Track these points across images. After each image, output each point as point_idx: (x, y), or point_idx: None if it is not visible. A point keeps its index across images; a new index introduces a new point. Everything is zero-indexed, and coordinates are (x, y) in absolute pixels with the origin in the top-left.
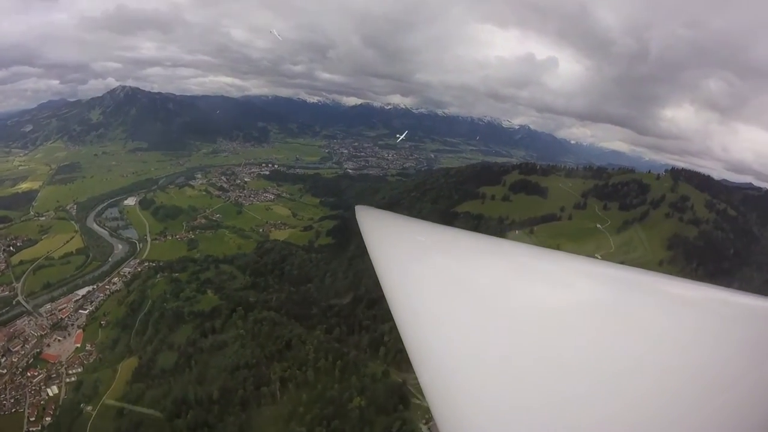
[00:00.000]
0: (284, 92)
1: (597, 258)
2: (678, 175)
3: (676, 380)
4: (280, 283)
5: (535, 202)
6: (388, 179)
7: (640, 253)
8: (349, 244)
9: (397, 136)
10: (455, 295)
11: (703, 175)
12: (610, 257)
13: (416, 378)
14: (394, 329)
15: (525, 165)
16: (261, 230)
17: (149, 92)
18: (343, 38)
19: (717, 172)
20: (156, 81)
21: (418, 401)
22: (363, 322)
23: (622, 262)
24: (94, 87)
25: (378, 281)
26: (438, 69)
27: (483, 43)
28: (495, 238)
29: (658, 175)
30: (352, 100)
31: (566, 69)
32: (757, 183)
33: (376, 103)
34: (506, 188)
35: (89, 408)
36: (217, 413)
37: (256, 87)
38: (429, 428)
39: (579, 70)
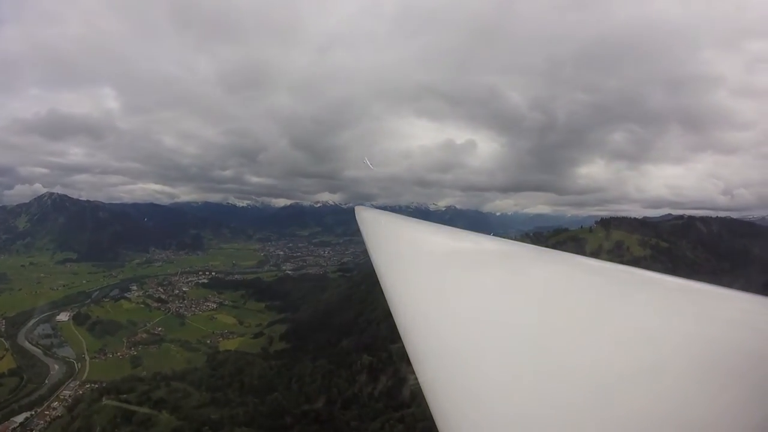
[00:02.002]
0: (214, 197)
1: (596, 258)
2: (607, 223)
3: (677, 380)
4: (241, 395)
5: None
6: (330, 276)
7: None
8: (306, 345)
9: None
10: (455, 295)
11: (630, 218)
12: None
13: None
14: (385, 425)
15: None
16: (209, 341)
17: (78, 200)
18: (272, 141)
19: (636, 212)
20: (84, 188)
21: None
22: (351, 423)
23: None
24: (21, 192)
25: (378, 280)
26: (365, 164)
27: (406, 135)
28: (496, 238)
29: (590, 228)
30: (281, 201)
31: (484, 148)
32: (674, 212)
33: (306, 202)
34: None
35: None
36: None
37: (185, 193)
38: None
39: (496, 147)
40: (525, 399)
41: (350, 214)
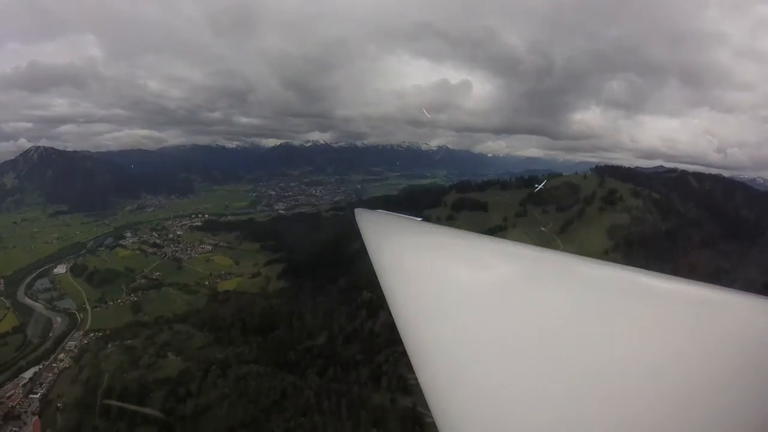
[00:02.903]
0: (202, 140)
1: (596, 258)
2: (602, 171)
3: (677, 381)
4: (244, 335)
5: (479, 217)
6: (323, 215)
7: (585, 246)
8: (305, 284)
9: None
10: (455, 295)
11: (625, 167)
12: None
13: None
14: (390, 357)
15: (461, 184)
16: (207, 283)
17: (64, 151)
18: (261, 82)
19: (629, 161)
20: (69, 139)
21: (431, 419)
22: (356, 357)
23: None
24: (6, 149)
25: (378, 280)
26: (358, 103)
27: (400, 75)
28: (496, 238)
29: (585, 174)
30: (271, 141)
31: (479, 90)
32: (666, 164)
33: (296, 142)
34: (448, 208)
35: None
36: None
37: (173, 137)
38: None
39: (491, 89)
40: (525, 399)
41: (341, 153)
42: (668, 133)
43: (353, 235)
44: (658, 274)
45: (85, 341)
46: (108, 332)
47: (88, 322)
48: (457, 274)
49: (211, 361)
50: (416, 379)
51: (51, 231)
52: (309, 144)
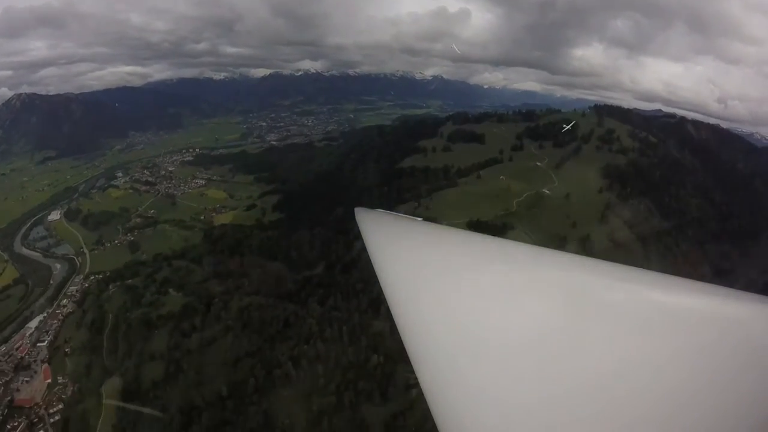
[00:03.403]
0: (189, 73)
1: (596, 258)
2: (601, 111)
3: (678, 381)
4: (243, 267)
5: (475, 149)
6: (316, 145)
7: (580, 184)
8: (301, 214)
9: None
10: (455, 295)
11: (624, 108)
12: (555, 190)
13: None
14: None
15: (458, 115)
16: (202, 218)
17: (47, 96)
18: (249, 9)
19: (627, 102)
20: (51, 83)
21: None
22: (356, 285)
23: (567, 195)
24: None
25: (378, 280)
26: (350, 30)
27: (395, 1)
28: (496, 238)
29: (583, 112)
30: (260, 71)
31: (479, 19)
32: (665, 109)
33: (286, 71)
34: (444, 139)
35: None
36: (234, 408)
37: (158, 72)
38: None
39: (491, 19)
40: (525, 398)
41: (333, 82)
42: (670, 77)
43: (347, 165)
44: (658, 273)
45: (86, 285)
46: (108, 274)
47: (88, 266)
48: (457, 274)
49: (212, 294)
50: (416, 379)
51: (41, 178)
52: (300, 73)
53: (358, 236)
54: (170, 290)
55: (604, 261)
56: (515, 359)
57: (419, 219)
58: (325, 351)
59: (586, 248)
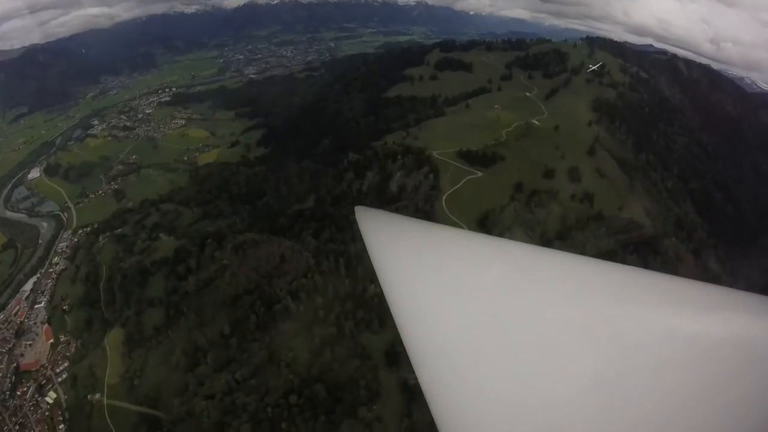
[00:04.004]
0: (158, 9)
1: (595, 258)
2: (593, 42)
3: (678, 380)
4: (232, 205)
5: (463, 78)
6: (297, 77)
7: (569, 116)
8: (286, 148)
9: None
10: (455, 296)
11: (615, 41)
12: (544, 122)
13: None
14: None
15: (445, 43)
16: (186, 158)
17: (12, 50)
18: None
19: (618, 35)
20: (15, 36)
21: None
22: (349, 216)
23: (556, 127)
24: None
25: (378, 280)
26: None
27: None
28: (496, 237)
29: (575, 43)
30: (234, 2)
31: None
32: (656, 44)
33: (260, 0)
34: (431, 67)
35: (97, 396)
36: (237, 346)
37: (126, 11)
38: None
39: None
40: (524, 398)
41: (312, 9)
42: (663, 13)
43: (331, 96)
44: (658, 273)
45: (76, 239)
46: (96, 226)
47: (74, 220)
48: (457, 274)
49: (204, 235)
50: (416, 378)
51: (16, 137)
52: (276, 1)
53: (348, 167)
54: (161, 235)
55: (604, 261)
56: (515, 358)
57: (419, 219)
58: (323, 283)
59: (572, 179)
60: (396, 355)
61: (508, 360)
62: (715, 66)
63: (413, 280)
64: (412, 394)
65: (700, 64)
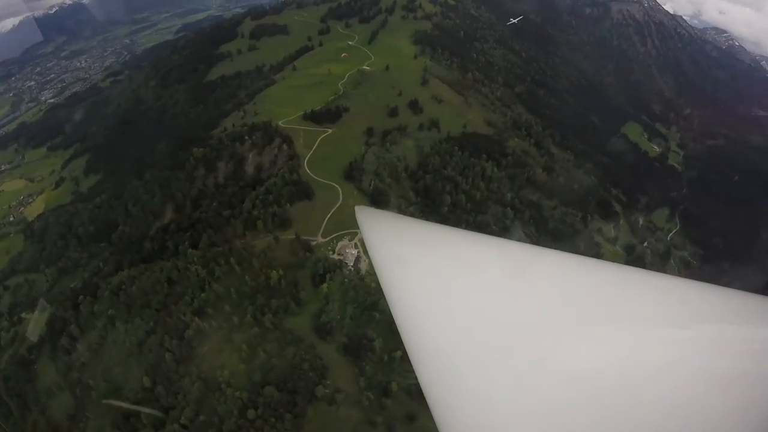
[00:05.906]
0: None
1: (595, 258)
2: None
3: (678, 380)
4: (86, 250)
5: (282, 42)
6: (101, 86)
7: (395, 54)
8: (120, 167)
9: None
10: (455, 296)
11: None
12: (373, 65)
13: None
14: (257, 201)
15: (255, 10)
16: (12, 219)
17: None
18: None
19: None
20: None
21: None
22: (223, 213)
23: (387, 67)
24: None
25: (378, 280)
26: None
27: None
28: (495, 237)
29: None
30: (8, 23)
31: None
32: None
33: (38, 12)
34: (247, 38)
35: None
36: (167, 392)
37: None
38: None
39: None
40: (524, 398)
41: (94, 9)
42: None
43: (149, 95)
44: (658, 273)
45: None
46: None
47: None
48: (457, 274)
49: (73, 294)
50: (416, 378)
51: None
52: (54, 9)
53: (196, 165)
54: (23, 315)
55: (604, 261)
56: (515, 359)
57: (420, 219)
58: (224, 289)
59: (415, 111)
60: (324, 325)
61: (509, 360)
62: None
63: (413, 280)
64: (355, 352)
65: None
